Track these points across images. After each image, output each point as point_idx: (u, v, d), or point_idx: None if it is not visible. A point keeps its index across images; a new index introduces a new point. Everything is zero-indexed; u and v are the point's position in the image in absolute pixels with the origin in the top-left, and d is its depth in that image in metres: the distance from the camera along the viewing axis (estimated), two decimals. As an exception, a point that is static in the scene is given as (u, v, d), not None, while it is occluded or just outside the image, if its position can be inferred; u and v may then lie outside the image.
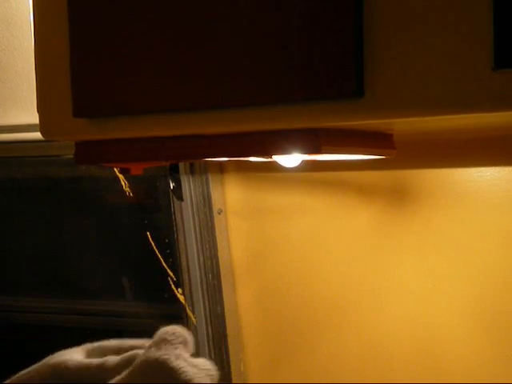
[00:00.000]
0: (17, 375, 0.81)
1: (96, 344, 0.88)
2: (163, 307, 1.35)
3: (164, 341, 0.81)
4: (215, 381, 0.80)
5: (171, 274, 1.28)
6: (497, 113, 0.65)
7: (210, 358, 1.29)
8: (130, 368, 0.79)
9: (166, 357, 0.79)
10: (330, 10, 0.69)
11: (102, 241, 1.45)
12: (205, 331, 1.28)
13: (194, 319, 1.27)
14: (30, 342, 1.54)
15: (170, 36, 0.77)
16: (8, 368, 0.84)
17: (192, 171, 1.24)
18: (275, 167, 0.97)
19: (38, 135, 0.91)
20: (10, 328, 1.56)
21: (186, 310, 1.28)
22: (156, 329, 0.86)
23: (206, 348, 1.28)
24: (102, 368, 0.80)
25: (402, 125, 0.81)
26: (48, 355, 0.82)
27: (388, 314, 1.16)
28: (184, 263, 1.26)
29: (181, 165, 1.21)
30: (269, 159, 0.94)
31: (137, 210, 1.34)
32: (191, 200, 1.26)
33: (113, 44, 0.81)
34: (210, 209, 1.27)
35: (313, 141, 0.77)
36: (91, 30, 0.82)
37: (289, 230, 1.22)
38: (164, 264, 1.28)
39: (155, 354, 0.79)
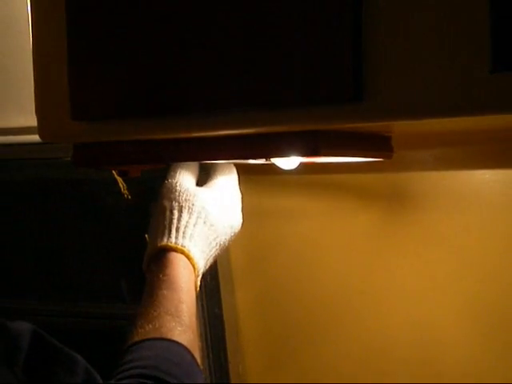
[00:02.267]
0: None
1: None
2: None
3: None
4: None
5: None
6: (495, 115, 0.66)
7: (209, 359, 1.29)
8: None
9: None
10: (328, 15, 0.69)
11: (101, 243, 1.44)
12: (203, 333, 1.27)
13: (192, 321, 1.27)
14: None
15: (168, 39, 0.77)
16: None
17: (190, 173, 1.23)
18: (273, 169, 0.97)
19: (36, 138, 0.91)
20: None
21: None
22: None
23: (205, 349, 1.28)
24: None
25: (401, 127, 0.81)
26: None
27: (387, 315, 1.16)
28: (182, 265, 1.26)
29: (179, 167, 1.21)
30: (267, 162, 0.94)
31: (135, 212, 1.34)
32: (190, 202, 1.25)
33: (111, 47, 0.81)
34: (209, 211, 1.26)
35: (311, 143, 0.77)
36: (89, 34, 0.82)
37: (287, 233, 1.22)
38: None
39: None
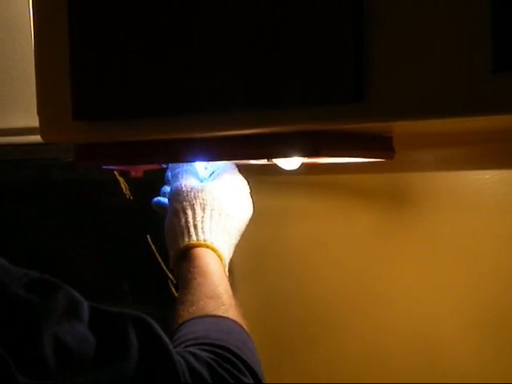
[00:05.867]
0: None
1: None
2: (163, 310, 1.35)
3: None
4: None
5: (171, 276, 1.28)
6: (496, 115, 0.66)
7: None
8: None
9: None
10: (329, 16, 0.69)
11: (102, 244, 1.45)
12: (205, 334, 1.27)
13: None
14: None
15: (169, 40, 0.77)
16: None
17: (192, 174, 1.23)
18: (275, 170, 0.97)
19: (37, 138, 0.91)
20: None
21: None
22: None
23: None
24: None
25: (401, 127, 0.81)
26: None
27: (388, 315, 1.16)
28: (184, 266, 1.26)
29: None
30: (269, 162, 0.94)
31: (137, 212, 1.34)
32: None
33: (112, 47, 0.81)
34: (210, 212, 1.26)
35: (312, 144, 0.77)
36: (91, 35, 0.82)
37: (288, 233, 1.22)
38: (164, 266, 1.28)
39: None
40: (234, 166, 1.03)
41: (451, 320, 1.11)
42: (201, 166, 1.03)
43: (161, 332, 0.74)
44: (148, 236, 1.27)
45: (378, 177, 1.12)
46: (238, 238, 1.00)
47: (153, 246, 1.28)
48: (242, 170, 1.05)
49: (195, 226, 0.95)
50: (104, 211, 1.42)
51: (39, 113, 0.89)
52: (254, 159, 0.93)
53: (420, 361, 1.14)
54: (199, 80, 0.76)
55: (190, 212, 0.96)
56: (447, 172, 1.09)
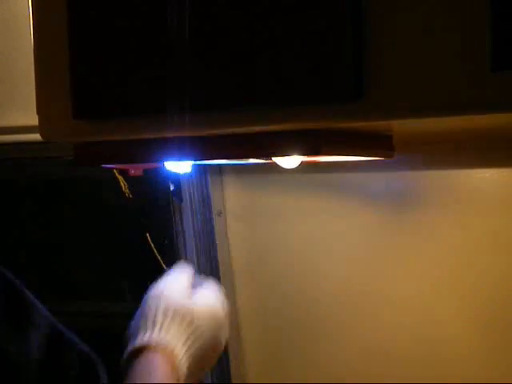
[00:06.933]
0: None
1: None
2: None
3: None
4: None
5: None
6: (495, 114, 0.66)
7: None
8: None
9: None
10: (328, 14, 0.69)
11: (102, 242, 1.45)
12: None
13: (193, 320, 1.27)
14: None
15: (169, 38, 0.78)
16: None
17: (191, 173, 1.23)
18: (275, 169, 0.97)
19: (37, 136, 0.91)
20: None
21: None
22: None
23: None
24: None
25: (401, 126, 0.81)
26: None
27: (387, 314, 1.16)
28: (183, 265, 1.26)
29: (180, 166, 1.21)
30: (268, 161, 0.94)
31: (136, 211, 1.35)
32: (191, 202, 1.26)
33: (112, 45, 0.81)
34: (210, 210, 1.27)
35: (312, 142, 0.77)
36: (90, 33, 0.82)
37: (288, 232, 1.22)
38: (163, 265, 1.28)
39: None
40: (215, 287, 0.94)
41: (451, 319, 1.11)
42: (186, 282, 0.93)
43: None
44: (147, 234, 1.27)
45: (377, 175, 1.13)
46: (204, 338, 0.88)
47: (152, 245, 1.28)
48: (240, 169, 1.05)
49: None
50: (103, 209, 1.42)
51: (39, 111, 0.89)
52: (254, 158, 0.93)
53: (420, 359, 1.14)
54: (199, 79, 0.76)
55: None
56: (447, 170, 1.09)
